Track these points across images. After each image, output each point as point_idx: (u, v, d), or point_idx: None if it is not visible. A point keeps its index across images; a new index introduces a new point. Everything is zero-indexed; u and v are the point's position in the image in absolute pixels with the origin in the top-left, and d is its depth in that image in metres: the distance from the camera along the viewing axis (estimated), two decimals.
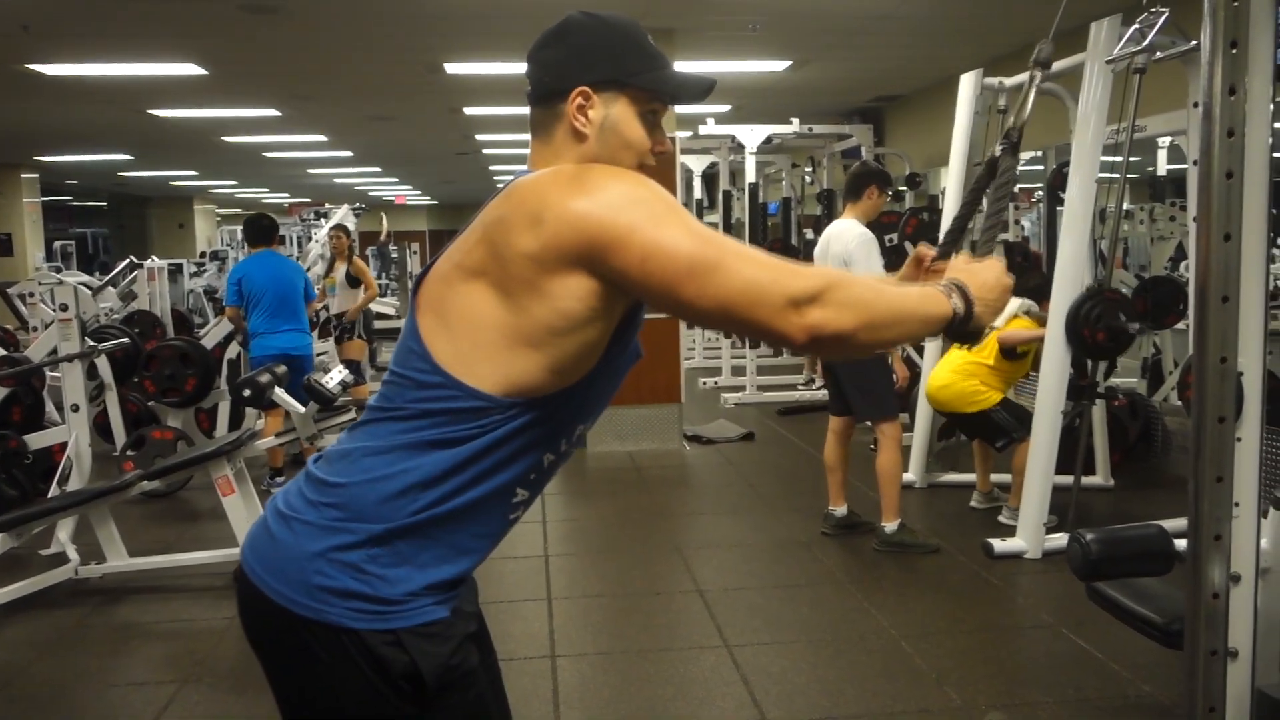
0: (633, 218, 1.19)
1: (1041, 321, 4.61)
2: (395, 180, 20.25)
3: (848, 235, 4.45)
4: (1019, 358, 4.80)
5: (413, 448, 1.25)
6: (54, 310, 4.73)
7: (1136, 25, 3.66)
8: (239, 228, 19.50)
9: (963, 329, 1.33)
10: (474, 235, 1.27)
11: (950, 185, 5.55)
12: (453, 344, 1.24)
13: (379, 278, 17.94)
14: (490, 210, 1.28)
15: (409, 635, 1.24)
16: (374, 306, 11.09)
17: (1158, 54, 3.74)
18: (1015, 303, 4.88)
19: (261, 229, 6.07)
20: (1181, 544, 2.53)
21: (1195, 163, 4.22)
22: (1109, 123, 4.36)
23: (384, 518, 1.24)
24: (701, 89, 1.37)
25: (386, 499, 1.24)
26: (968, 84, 5.33)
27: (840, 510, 4.72)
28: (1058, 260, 4.42)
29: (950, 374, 4.80)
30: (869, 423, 4.61)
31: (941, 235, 1.61)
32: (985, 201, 1.66)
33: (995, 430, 4.72)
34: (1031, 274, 5.61)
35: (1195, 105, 4.10)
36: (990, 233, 1.51)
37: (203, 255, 15.57)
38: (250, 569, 1.30)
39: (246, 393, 4.57)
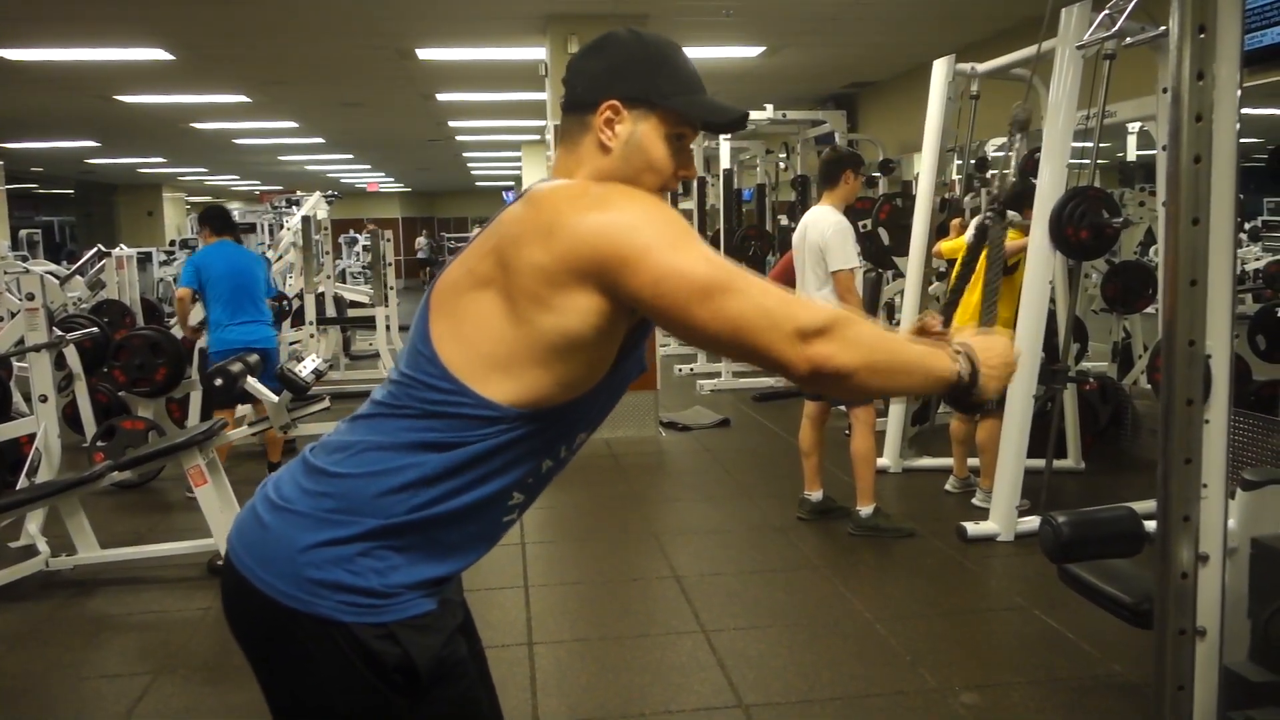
0: (648, 239, 1.19)
1: (1024, 230, 4.55)
2: (368, 167, 20.12)
3: (824, 223, 4.46)
4: (1011, 271, 4.65)
5: (417, 447, 1.24)
6: (20, 300, 4.66)
7: (1106, 11, 3.69)
8: None
9: (965, 395, 1.34)
10: (488, 243, 1.26)
11: (924, 171, 5.57)
12: (463, 352, 1.24)
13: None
14: (505, 217, 1.27)
15: (401, 628, 1.24)
16: (348, 295, 11.02)
17: (1127, 39, 3.76)
18: None
19: (227, 217, 5.90)
20: (1151, 525, 2.57)
21: (1164, 148, 4.27)
22: (1079, 109, 4.39)
23: (380, 513, 1.23)
24: (731, 120, 1.37)
25: (384, 494, 1.24)
26: (940, 70, 5.35)
27: (816, 495, 4.75)
28: (1029, 247, 4.44)
29: (971, 319, 4.67)
30: (843, 407, 4.63)
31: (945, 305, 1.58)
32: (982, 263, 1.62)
33: None
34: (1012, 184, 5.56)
35: (1164, 91, 4.13)
36: (990, 301, 1.49)
37: (172, 244, 15.42)
38: (237, 558, 1.29)
39: (218, 382, 4.52)
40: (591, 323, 1.21)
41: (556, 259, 1.18)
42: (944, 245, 5.38)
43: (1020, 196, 4.74)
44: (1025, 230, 4.58)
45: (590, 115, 1.33)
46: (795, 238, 4.66)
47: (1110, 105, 4.38)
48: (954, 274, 4.89)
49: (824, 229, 4.43)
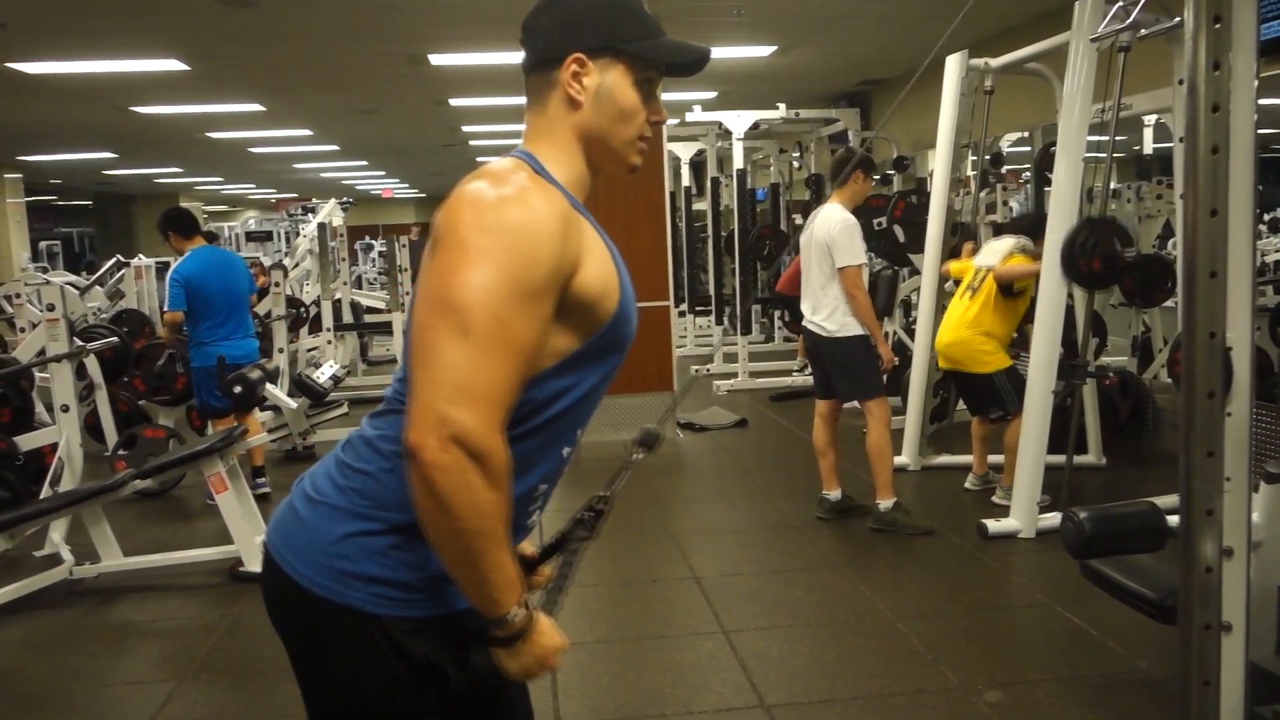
0: (475, 241, 1.15)
1: (1037, 257, 4.59)
2: (382, 173, 20.20)
3: (832, 221, 4.47)
4: (1016, 295, 4.73)
5: None
6: (41, 310, 4.71)
7: (1120, 3, 3.66)
8: (224, 226, 19.44)
9: (493, 642, 1.19)
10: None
11: (938, 167, 5.55)
12: None
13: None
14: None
15: (432, 624, 1.24)
16: (364, 301, 11.07)
17: (1142, 31, 3.74)
18: (1010, 240, 4.84)
19: (192, 219, 5.56)
20: (1174, 520, 2.55)
21: (1181, 139, 4.25)
22: (1094, 102, 4.37)
23: (406, 508, 1.21)
24: (695, 57, 1.35)
25: (405, 490, 1.22)
26: (954, 66, 5.33)
27: (834, 494, 4.73)
28: (1046, 242, 4.42)
29: (962, 329, 4.76)
30: (857, 403, 4.63)
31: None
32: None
33: (994, 397, 4.71)
34: (1026, 214, 5.57)
35: (1180, 82, 4.11)
36: (556, 595, 1.34)
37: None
38: (275, 550, 1.30)
39: (237, 389, 4.55)
40: None
41: (434, 233, 1.21)
42: (952, 265, 5.39)
43: (1034, 226, 4.74)
44: (1036, 257, 4.58)
45: (555, 71, 1.31)
46: (803, 235, 4.66)
47: (1126, 98, 4.36)
48: (960, 289, 4.92)
49: (831, 226, 4.44)
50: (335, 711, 1.31)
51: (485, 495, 1.11)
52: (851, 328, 4.45)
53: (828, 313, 4.50)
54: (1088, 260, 4.27)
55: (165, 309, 5.42)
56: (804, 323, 4.67)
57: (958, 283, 5.11)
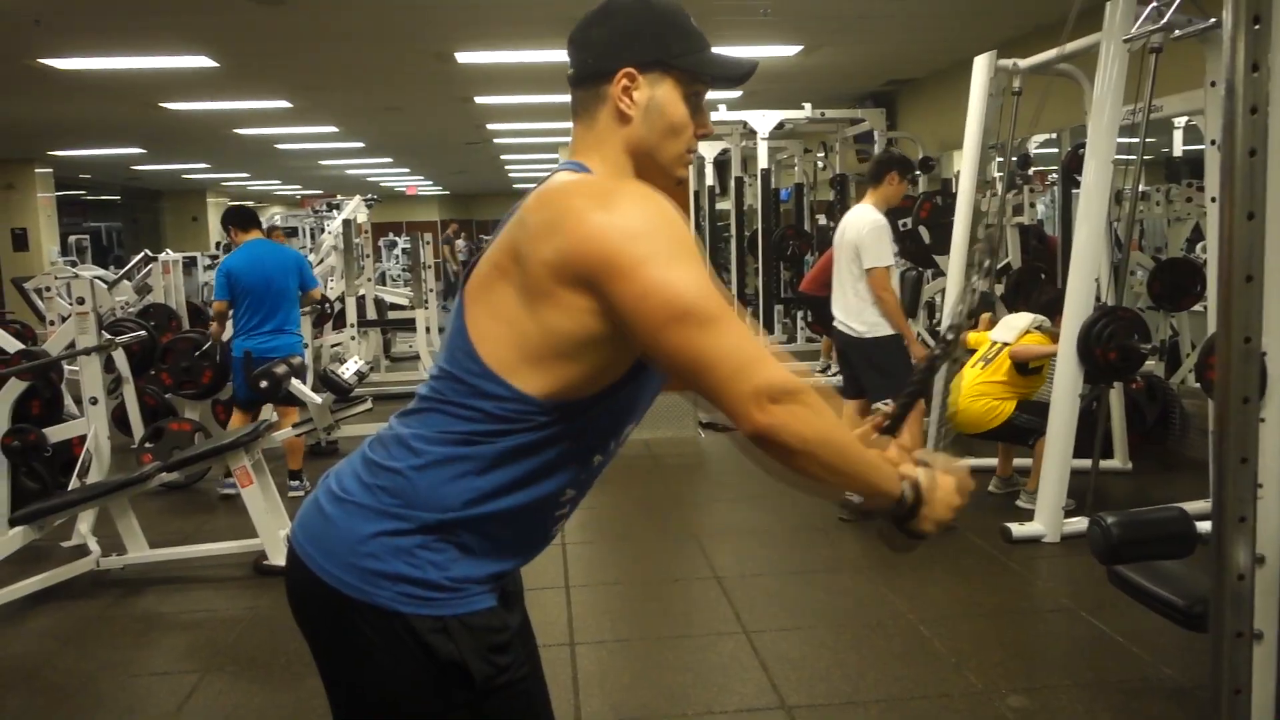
0: (646, 250, 1.16)
1: (1054, 338, 4.59)
2: (407, 170, 20.27)
3: (861, 221, 4.46)
4: (1032, 373, 4.79)
5: (464, 442, 1.24)
6: (71, 304, 4.75)
7: (1154, 3, 3.62)
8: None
9: (900, 522, 1.28)
10: (508, 235, 1.26)
11: (965, 168, 5.51)
12: (496, 345, 1.23)
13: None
14: (521, 210, 1.26)
15: (457, 623, 1.24)
16: (388, 297, 11.12)
17: (1175, 32, 3.70)
18: (1027, 318, 4.86)
19: (249, 214, 5.69)
20: (1202, 526, 2.52)
21: (1214, 142, 4.20)
22: (1125, 104, 4.32)
23: (436, 506, 1.24)
24: (743, 71, 1.36)
25: (439, 488, 1.24)
26: (981, 66, 5.29)
27: (857, 497, 4.70)
28: (1074, 244, 4.39)
29: (964, 398, 4.78)
30: (886, 403, 4.62)
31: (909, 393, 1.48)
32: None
33: (1021, 434, 4.73)
34: (1045, 289, 5.57)
35: (1213, 84, 4.07)
36: (945, 428, 1.41)
37: (217, 245, 15.61)
38: (300, 547, 1.30)
39: (263, 384, 4.58)
40: (588, 324, 1.19)
41: (559, 256, 1.17)
42: (970, 336, 5.35)
43: (1051, 304, 4.73)
44: (1054, 337, 4.57)
45: (605, 85, 1.31)
46: (835, 235, 4.67)
47: (1156, 100, 4.31)
48: (973, 359, 4.90)
49: (861, 226, 4.45)
50: (360, 710, 1.31)
51: (818, 421, 1.17)
52: (882, 328, 4.48)
53: (858, 313, 4.51)
54: (1104, 350, 4.25)
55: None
56: (834, 323, 4.69)
57: (971, 352, 5.11)
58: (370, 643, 1.24)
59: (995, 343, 4.85)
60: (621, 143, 1.32)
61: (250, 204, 25.00)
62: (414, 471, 1.25)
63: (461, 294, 1.29)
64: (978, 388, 4.76)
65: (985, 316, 5.41)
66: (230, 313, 5.52)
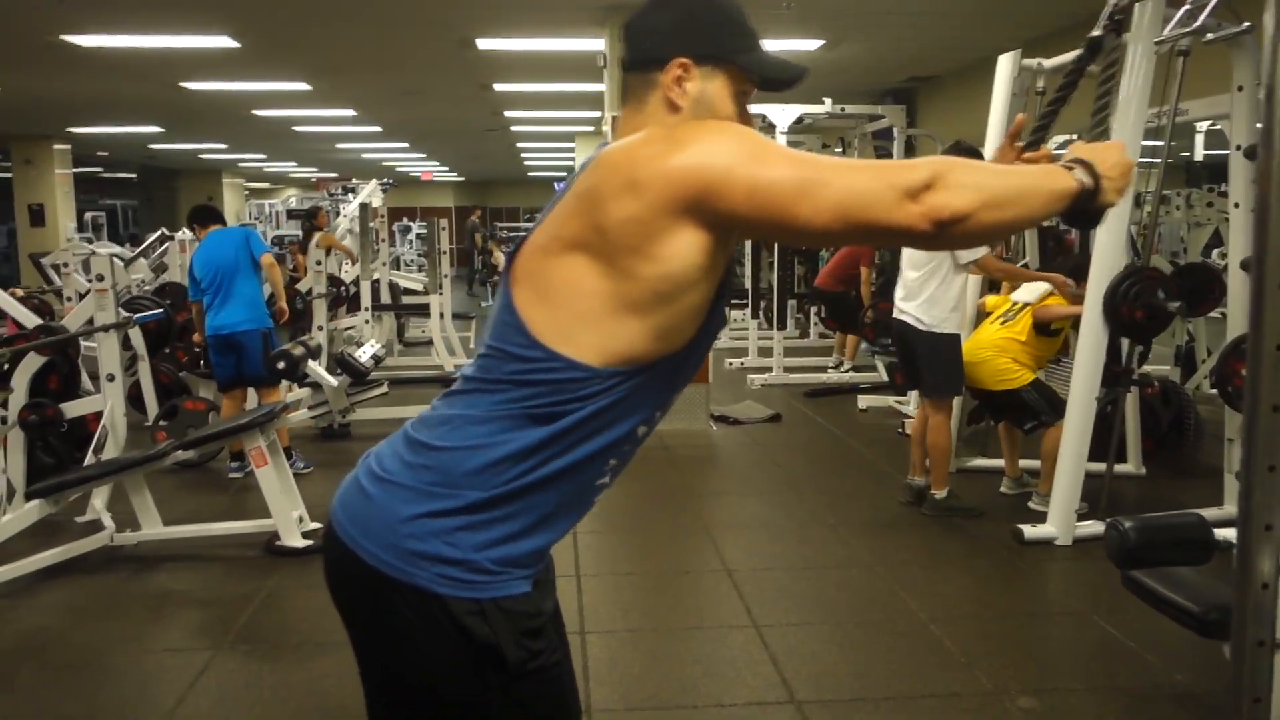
0: (729, 159, 1.18)
1: (1076, 299, 4.57)
2: (423, 156, 20.28)
3: None
4: (1053, 335, 4.78)
5: (511, 418, 1.25)
6: (88, 280, 4.77)
7: (1187, 6, 3.59)
8: (265, 203, 19.60)
9: (1088, 205, 1.28)
10: (569, 207, 1.26)
11: None
12: (552, 316, 1.24)
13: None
14: (582, 181, 1.26)
15: (493, 607, 1.25)
16: (401, 282, 11.14)
17: (1208, 35, 3.67)
18: (1048, 285, 4.84)
19: (207, 210, 5.82)
20: (1221, 534, 2.51)
21: (1239, 147, 4.18)
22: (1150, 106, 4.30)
23: (480, 485, 1.24)
24: (794, 75, 1.36)
25: (484, 468, 1.24)
26: (1006, 65, 5.27)
27: (920, 481, 4.83)
28: (1094, 247, 4.37)
29: (983, 349, 4.77)
30: (928, 398, 4.70)
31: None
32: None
33: (1023, 410, 4.70)
34: (1068, 255, 5.54)
35: (1240, 88, 4.04)
36: (1100, 115, 1.41)
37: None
38: (340, 527, 1.31)
39: (281, 365, 4.59)
40: (695, 260, 1.21)
41: (649, 206, 1.19)
42: (989, 300, 5.34)
43: (1076, 268, 4.72)
44: (1076, 299, 4.56)
45: (658, 73, 1.32)
46: None
47: (1180, 104, 4.28)
48: (991, 318, 4.91)
49: None
50: (395, 688, 1.32)
51: (969, 178, 1.18)
52: (946, 325, 4.57)
53: (919, 302, 4.60)
54: (1130, 308, 4.23)
55: None
56: (895, 314, 4.77)
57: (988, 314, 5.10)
58: (408, 623, 1.25)
59: (1017, 303, 4.84)
60: None
61: (254, 186, 25.02)
62: (459, 450, 1.26)
63: (509, 270, 1.30)
64: (998, 343, 4.74)
65: (1006, 284, 5.36)
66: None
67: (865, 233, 1.20)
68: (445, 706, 1.29)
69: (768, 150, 1.21)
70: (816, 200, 1.17)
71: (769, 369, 8.66)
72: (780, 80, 1.36)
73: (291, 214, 17.05)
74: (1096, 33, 1.48)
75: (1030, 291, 4.86)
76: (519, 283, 1.27)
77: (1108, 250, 4.31)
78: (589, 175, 1.25)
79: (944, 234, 1.17)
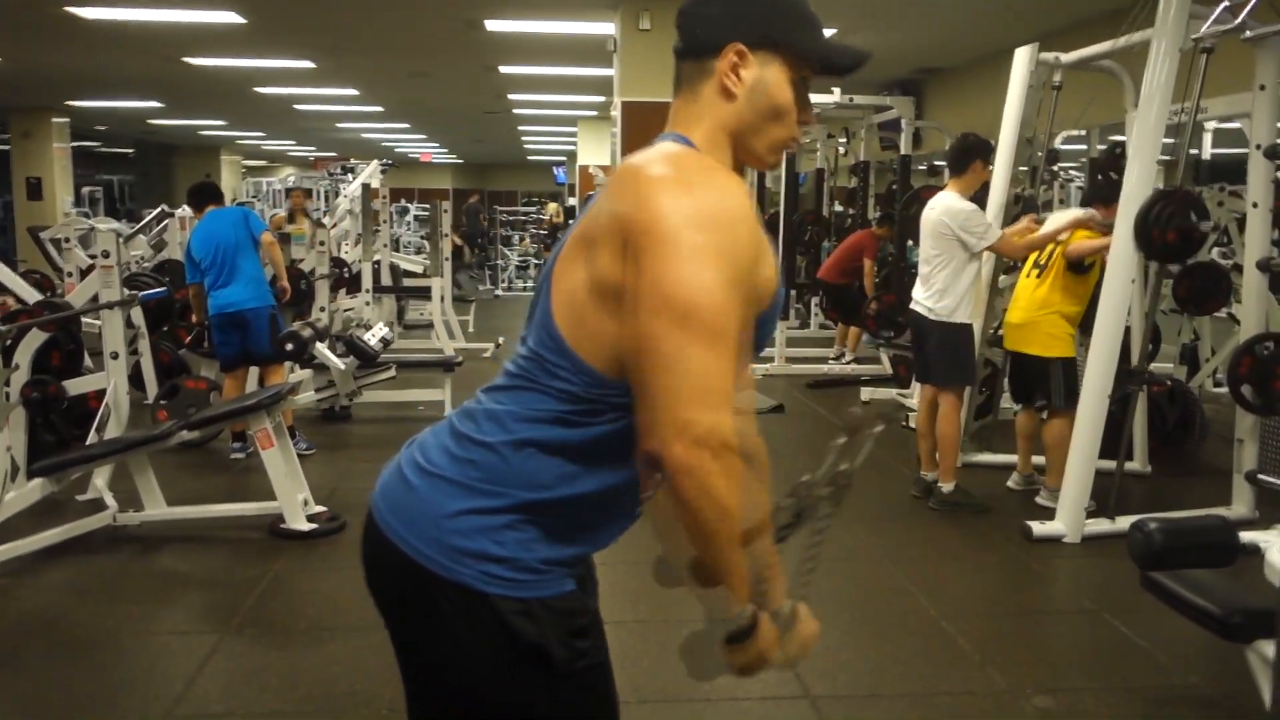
0: (680, 235, 1.10)
1: (1105, 230, 4.49)
2: (423, 137, 20.18)
3: (953, 211, 4.52)
4: (1085, 270, 4.61)
5: (555, 421, 1.22)
6: (88, 256, 4.72)
7: (1225, 4, 3.55)
8: (263, 180, 19.46)
9: (732, 635, 1.17)
10: (593, 208, 1.23)
11: (1000, 161, 5.45)
12: (580, 325, 1.20)
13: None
14: (609, 182, 1.24)
15: (539, 606, 1.22)
16: (402, 264, 11.07)
17: (1246, 33, 3.63)
18: (1077, 211, 4.77)
19: (203, 190, 5.73)
20: (1246, 536, 2.50)
21: (1258, 146, 4.15)
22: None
23: (529, 485, 1.21)
24: (855, 60, 1.32)
25: (532, 467, 1.21)
26: (1023, 59, 5.22)
27: (932, 475, 4.80)
28: (1113, 244, 4.34)
29: (1033, 310, 4.65)
30: (939, 387, 4.67)
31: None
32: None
33: (1045, 385, 4.63)
34: (1096, 186, 5.42)
35: (1262, 88, 4.01)
36: (807, 575, 1.27)
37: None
38: (382, 519, 1.27)
39: (289, 346, 4.55)
40: (609, 277, 1.16)
41: (618, 215, 1.16)
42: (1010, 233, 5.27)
43: (1102, 190, 4.65)
44: (1105, 230, 4.48)
45: (712, 60, 1.27)
46: (921, 220, 4.73)
47: (1202, 101, 4.25)
48: (1027, 267, 4.82)
49: (954, 217, 4.49)
50: (436, 685, 1.29)
51: (730, 490, 1.08)
52: (959, 315, 4.55)
53: (930, 292, 4.59)
54: (1162, 231, 4.16)
55: None
56: (911, 304, 4.77)
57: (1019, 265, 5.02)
58: (449, 619, 1.22)
59: (1045, 250, 4.70)
60: (722, 120, 1.28)
61: (252, 163, 24.82)
62: (506, 448, 1.22)
63: (550, 269, 1.26)
64: (1043, 299, 4.61)
65: (1030, 218, 5.24)
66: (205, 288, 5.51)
67: (639, 388, 1.11)
68: (487, 705, 1.26)
69: (713, 261, 1.10)
70: (660, 331, 1.08)
71: (770, 359, 8.63)
72: (841, 65, 1.32)
73: (290, 192, 16.93)
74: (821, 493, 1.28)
75: (1058, 221, 4.74)
76: (555, 286, 1.24)
77: (1137, 183, 4.23)
78: (613, 178, 1.23)
79: (666, 474, 1.09)
